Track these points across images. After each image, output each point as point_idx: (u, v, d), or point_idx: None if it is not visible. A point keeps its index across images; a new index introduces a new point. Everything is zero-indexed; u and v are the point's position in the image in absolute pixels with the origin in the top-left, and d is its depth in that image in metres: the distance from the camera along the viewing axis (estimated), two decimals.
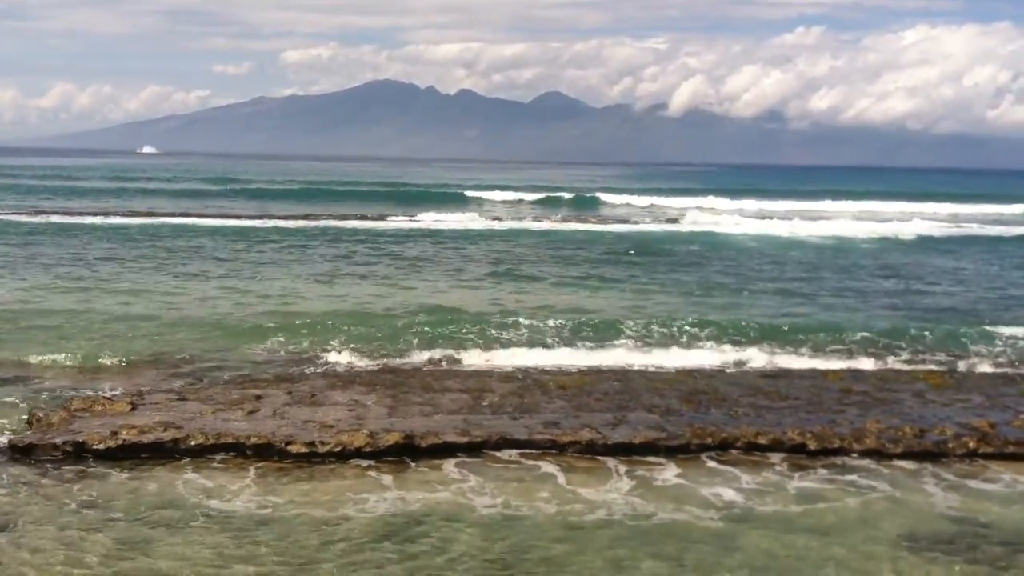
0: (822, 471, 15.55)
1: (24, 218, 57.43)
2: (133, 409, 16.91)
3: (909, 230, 61.54)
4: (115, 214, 62.75)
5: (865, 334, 25.02)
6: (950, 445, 16.45)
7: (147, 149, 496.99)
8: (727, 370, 21.57)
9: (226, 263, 39.28)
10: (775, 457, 15.98)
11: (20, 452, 15.14)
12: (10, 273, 34.37)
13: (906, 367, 22.28)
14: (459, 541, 12.49)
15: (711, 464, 15.66)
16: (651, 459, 15.72)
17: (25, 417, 16.83)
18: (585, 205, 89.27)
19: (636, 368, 21.50)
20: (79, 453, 15.08)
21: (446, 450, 15.58)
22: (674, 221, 68.56)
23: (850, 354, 23.20)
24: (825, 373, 21.29)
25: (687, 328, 25.12)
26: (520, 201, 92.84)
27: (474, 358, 22.18)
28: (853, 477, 15.33)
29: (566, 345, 23.53)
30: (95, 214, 61.79)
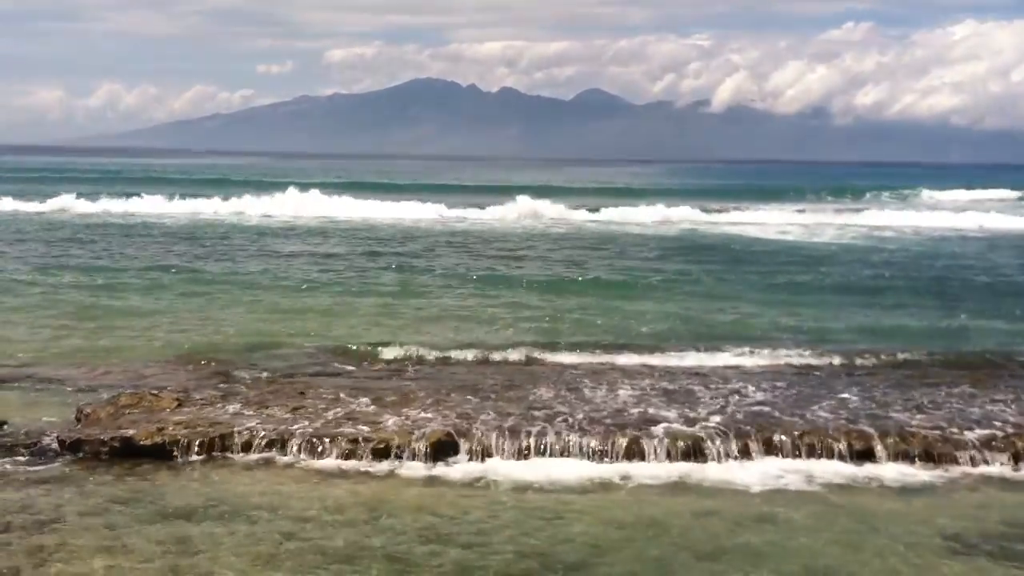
0: (865, 471, 15.43)
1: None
2: (179, 405, 17.08)
3: None
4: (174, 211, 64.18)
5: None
6: (996, 444, 16.23)
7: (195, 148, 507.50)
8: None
9: (277, 260, 39.60)
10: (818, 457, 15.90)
11: (67, 448, 15.35)
12: (62, 269, 34.81)
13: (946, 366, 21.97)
14: (497, 538, 12.54)
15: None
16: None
17: (73, 413, 17.05)
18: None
19: None
20: (126, 449, 15.26)
21: (487, 450, 15.61)
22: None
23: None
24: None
25: None
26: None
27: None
28: (895, 477, 15.21)
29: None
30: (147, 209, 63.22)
